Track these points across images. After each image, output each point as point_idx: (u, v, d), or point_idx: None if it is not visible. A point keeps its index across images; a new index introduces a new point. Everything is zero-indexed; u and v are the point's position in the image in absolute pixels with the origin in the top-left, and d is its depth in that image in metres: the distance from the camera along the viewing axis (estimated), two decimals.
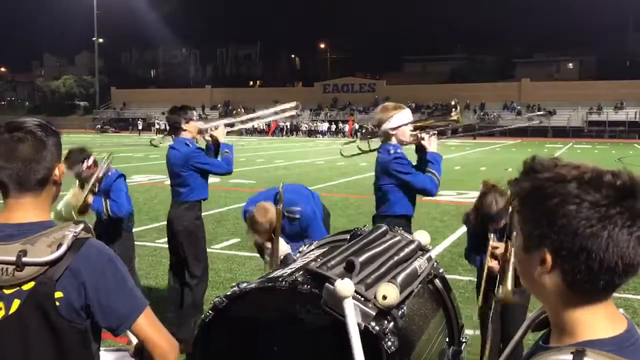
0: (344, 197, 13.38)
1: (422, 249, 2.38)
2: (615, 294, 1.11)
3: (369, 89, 65.15)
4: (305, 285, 1.94)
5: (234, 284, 2.17)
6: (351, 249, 2.14)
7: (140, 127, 56.44)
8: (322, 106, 64.53)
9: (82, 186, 4.74)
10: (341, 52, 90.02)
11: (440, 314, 2.36)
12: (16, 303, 1.51)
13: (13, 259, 1.49)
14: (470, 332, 4.78)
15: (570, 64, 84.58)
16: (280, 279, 2.03)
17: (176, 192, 4.83)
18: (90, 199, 4.63)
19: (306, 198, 4.14)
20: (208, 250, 8.41)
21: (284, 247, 3.81)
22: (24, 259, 1.49)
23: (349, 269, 1.96)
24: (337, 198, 13.34)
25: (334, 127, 56.46)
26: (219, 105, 70.03)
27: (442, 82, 67.88)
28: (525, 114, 56.83)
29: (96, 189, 4.68)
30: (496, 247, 3.36)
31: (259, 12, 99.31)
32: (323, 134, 55.00)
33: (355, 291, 1.84)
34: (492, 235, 3.46)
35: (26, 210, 1.60)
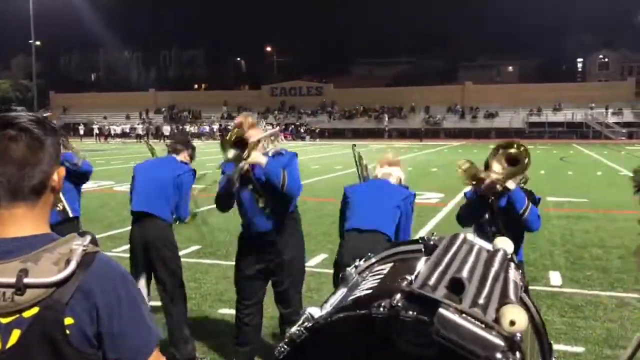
0: (301, 200, 13.13)
1: (509, 259, 2.04)
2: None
3: (317, 92, 65.31)
4: (410, 312, 1.58)
5: (302, 310, 1.82)
6: (442, 264, 1.78)
7: (81, 133, 54.67)
8: (270, 109, 64.22)
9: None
10: (287, 55, 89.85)
11: (531, 332, 2.03)
12: (16, 334, 1.24)
13: (12, 280, 1.23)
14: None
15: (511, 68, 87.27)
16: (375, 304, 1.64)
17: None
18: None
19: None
20: None
21: (261, 157, 3.74)
22: (26, 280, 1.23)
23: (456, 290, 1.62)
24: None
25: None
26: (164, 109, 68.69)
27: (389, 85, 68.72)
28: (467, 116, 58.25)
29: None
30: None
31: (203, 14, 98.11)
32: None
33: (472, 316, 1.51)
34: None
35: (21, 222, 1.32)
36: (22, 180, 1.31)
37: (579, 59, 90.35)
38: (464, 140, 49.34)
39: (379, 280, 1.93)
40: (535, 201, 3.61)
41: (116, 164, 23.90)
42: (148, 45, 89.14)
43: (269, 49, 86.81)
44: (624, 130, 51.68)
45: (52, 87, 74.21)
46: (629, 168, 19.41)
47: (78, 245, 1.29)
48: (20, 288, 1.23)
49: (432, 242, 2.06)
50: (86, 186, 17.96)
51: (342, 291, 1.98)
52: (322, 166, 22.51)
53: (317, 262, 7.48)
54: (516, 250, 3.63)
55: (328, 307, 1.84)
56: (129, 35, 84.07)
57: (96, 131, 53.53)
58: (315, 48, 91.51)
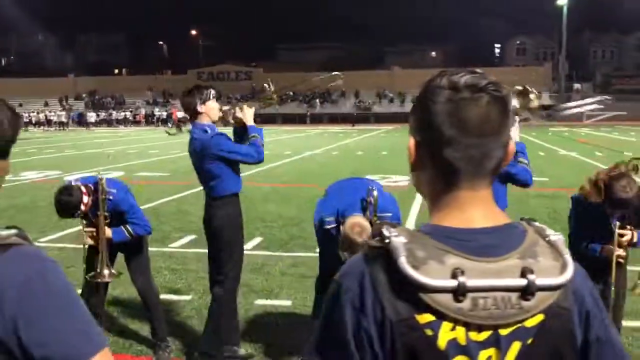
0: (270, 186, 12.91)
1: None
2: None
3: (246, 77, 64.43)
4: None
5: None
6: None
7: None
8: None
9: (89, 224, 3.96)
10: (213, 39, 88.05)
11: None
12: (515, 347, 1.02)
13: (518, 282, 1.00)
14: None
15: (433, 53, 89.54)
16: None
17: (207, 188, 4.11)
18: (109, 232, 3.95)
19: (391, 199, 3.65)
20: (165, 249, 7.67)
21: None
22: (539, 282, 1.00)
23: None
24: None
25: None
26: (84, 95, 65.78)
27: (319, 70, 68.69)
28: (396, 100, 59.31)
29: (107, 219, 3.93)
30: (624, 235, 3.24)
31: None
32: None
33: None
34: (616, 222, 3.30)
35: (485, 208, 1.09)
36: (490, 154, 1.07)
37: (497, 45, 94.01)
38: (394, 125, 50.13)
39: None
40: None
41: (51, 153, 22.66)
42: (64, 28, 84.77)
43: (193, 32, 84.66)
44: (543, 113, 54.27)
45: None
46: (566, 148, 20.21)
47: (556, 236, 1.07)
48: (532, 292, 1.00)
49: None
50: (33, 177, 16.71)
51: None
52: (271, 151, 22.25)
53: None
54: None
55: None
56: (43, 18, 79.58)
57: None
58: (241, 32, 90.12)
